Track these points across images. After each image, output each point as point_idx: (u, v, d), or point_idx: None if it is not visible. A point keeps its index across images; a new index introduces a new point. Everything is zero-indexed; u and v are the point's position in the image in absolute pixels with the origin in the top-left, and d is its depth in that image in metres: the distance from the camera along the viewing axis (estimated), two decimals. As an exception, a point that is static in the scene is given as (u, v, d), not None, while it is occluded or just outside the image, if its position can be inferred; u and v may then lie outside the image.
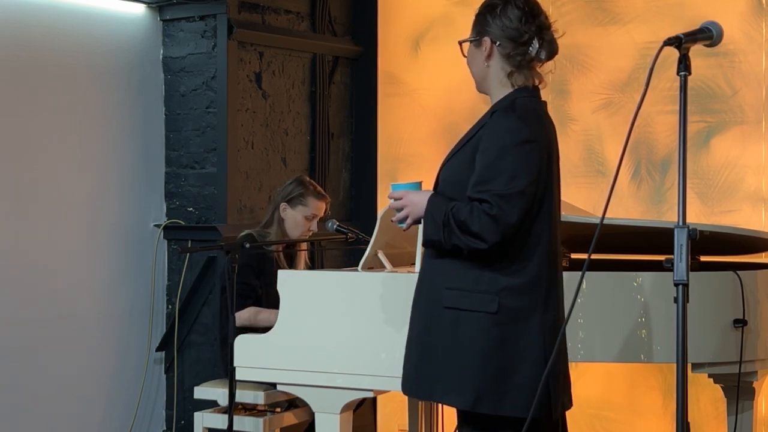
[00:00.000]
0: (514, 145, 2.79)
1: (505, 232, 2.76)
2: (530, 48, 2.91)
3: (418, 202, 2.92)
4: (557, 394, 2.89)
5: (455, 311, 2.86)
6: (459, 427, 2.97)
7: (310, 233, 4.63)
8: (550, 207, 2.90)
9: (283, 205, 4.59)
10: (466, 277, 2.85)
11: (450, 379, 2.86)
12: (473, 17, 3.02)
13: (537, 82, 2.96)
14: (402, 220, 2.98)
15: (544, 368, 2.81)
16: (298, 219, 4.58)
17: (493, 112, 2.92)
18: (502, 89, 2.95)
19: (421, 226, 2.99)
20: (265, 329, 4.07)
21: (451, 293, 2.87)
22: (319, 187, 4.69)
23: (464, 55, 3.04)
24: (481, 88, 3.03)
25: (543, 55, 2.93)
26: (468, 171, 2.85)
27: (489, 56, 2.94)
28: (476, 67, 3.00)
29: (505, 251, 2.81)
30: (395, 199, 2.99)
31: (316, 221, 4.63)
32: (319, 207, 4.62)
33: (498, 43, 2.92)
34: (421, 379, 2.94)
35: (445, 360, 2.87)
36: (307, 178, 4.72)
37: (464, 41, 3.02)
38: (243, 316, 4.33)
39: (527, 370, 2.81)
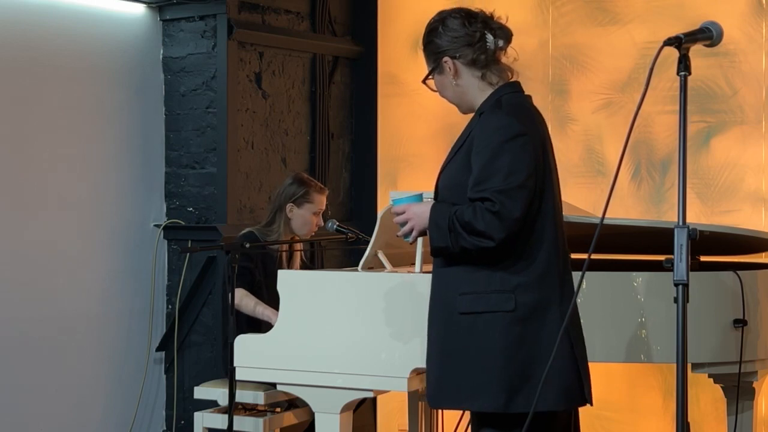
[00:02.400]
0: (506, 141, 2.80)
1: (510, 228, 2.76)
2: (487, 42, 2.94)
3: (421, 213, 2.91)
4: (588, 383, 2.91)
5: (472, 315, 2.85)
6: (476, 429, 2.94)
7: (317, 228, 4.68)
8: (551, 200, 2.90)
9: (289, 206, 4.61)
10: (478, 280, 2.85)
11: (477, 385, 2.84)
12: (423, 53, 3.03)
13: (510, 75, 2.98)
14: (407, 234, 2.97)
15: (572, 358, 2.84)
16: (307, 217, 4.62)
17: (480, 113, 2.93)
18: (482, 94, 2.96)
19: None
20: (265, 325, 4.08)
21: (465, 298, 2.87)
22: (317, 182, 4.76)
23: (433, 90, 3.05)
24: (464, 107, 3.03)
25: (501, 43, 2.96)
26: (465, 175, 2.85)
27: (456, 73, 2.96)
28: (450, 91, 3.01)
29: (512, 249, 2.81)
30: (398, 214, 2.98)
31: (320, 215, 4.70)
32: (323, 201, 4.69)
33: (457, 55, 2.94)
34: (446, 389, 2.91)
35: (468, 365, 2.85)
36: (305, 176, 4.76)
37: (427, 77, 3.03)
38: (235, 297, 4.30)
39: (557, 363, 2.79)
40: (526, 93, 3.01)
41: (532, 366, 2.80)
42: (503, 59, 2.99)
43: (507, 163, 2.78)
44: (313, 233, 4.68)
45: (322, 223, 4.68)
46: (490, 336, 2.83)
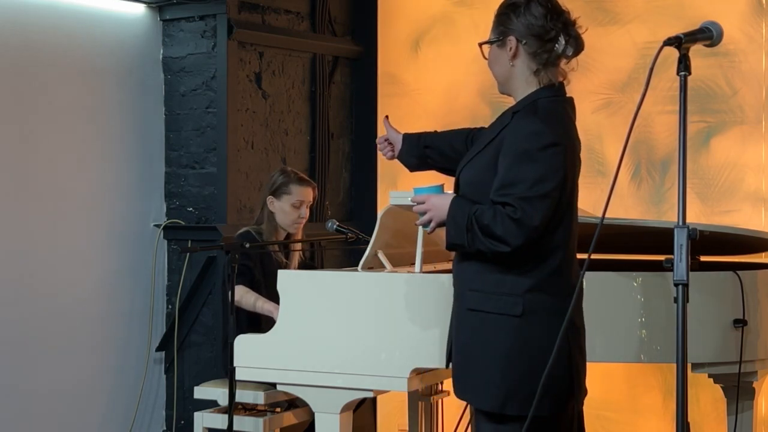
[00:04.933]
0: (537, 149, 2.77)
1: (528, 236, 2.75)
2: (557, 45, 2.88)
3: (441, 206, 2.90)
4: (580, 389, 2.92)
5: (479, 313, 2.87)
6: (477, 424, 2.96)
7: (303, 220, 4.63)
8: (574, 209, 2.90)
9: (269, 198, 4.62)
10: (489, 280, 2.85)
11: (477, 381, 2.87)
12: (493, 17, 2.96)
13: (562, 78, 2.94)
14: (426, 224, 2.97)
15: (570, 368, 2.84)
16: (286, 208, 4.60)
17: (514, 112, 2.89)
18: (527, 88, 2.91)
19: (420, 228, 3.01)
20: (265, 324, 4.07)
21: (474, 295, 2.88)
22: (301, 174, 4.71)
23: (485, 57, 2.98)
24: (505, 89, 2.98)
25: (570, 52, 2.90)
26: (490, 172, 2.84)
27: (515, 56, 2.90)
28: (500, 68, 2.95)
29: (528, 254, 2.81)
30: (418, 203, 2.97)
31: (305, 208, 4.63)
32: (304, 193, 4.63)
33: (524, 41, 2.88)
34: (457, 380, 2.97)
35: (473, 362, 2.88)
36: (289, 168, 4.75)
37: (486, 42, 2.97)
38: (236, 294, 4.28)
39: (553, 370, 2.78)
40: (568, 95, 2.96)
41: (532, 371, 2.80)
42: (562, 64, 2.93)
43: (535, 170, 2.75)
44: (298, 225, 4.61)
45: (305, 216, 4.64)
46: (494, 337, 2.83)
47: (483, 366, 2.85)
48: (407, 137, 3.34)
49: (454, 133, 3.30)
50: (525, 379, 2.81)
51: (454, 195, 2.94)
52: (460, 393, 2.98)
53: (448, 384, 3.84)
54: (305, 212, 4.64)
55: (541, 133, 2.79)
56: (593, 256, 2.63)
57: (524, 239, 2.75)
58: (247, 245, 4.11)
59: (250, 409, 4.39)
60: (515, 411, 2.81)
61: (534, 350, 2.82)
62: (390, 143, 3.40)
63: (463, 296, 2.92)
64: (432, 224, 2.95)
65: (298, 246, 4.76)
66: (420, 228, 3.47)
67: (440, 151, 3.26)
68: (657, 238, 3.92)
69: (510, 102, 3.00)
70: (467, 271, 2.91)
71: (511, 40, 2.90)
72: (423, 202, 2.96)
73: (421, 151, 3.28)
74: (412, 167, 3.35)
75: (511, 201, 2.75)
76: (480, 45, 2.99)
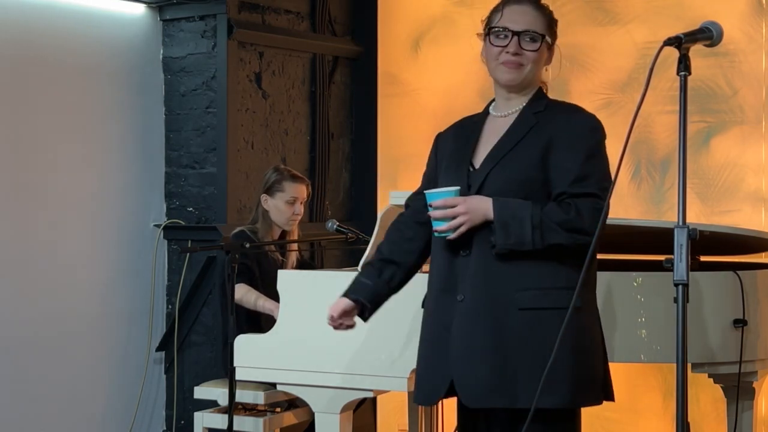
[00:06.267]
0: (599, 143, 2.88)
1: (605, 225, 2.74)
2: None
3: (481, 208, 2.79)
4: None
5: (534, 311, 2.80)
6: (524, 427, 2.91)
7: (298, 217, 4.65)
8: None
9: (263, 197, 4.64)
10: (543, 277, 2.81)
11: (543, 381, 2.74)
12: (544, 18, 2.97)
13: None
14: (452, 229, 2.79)
15: (605, 357, 2.93)
16: (280, 206, 4.62)
17: (536, 112, 2.93)
18: (530, 91, 2.98)
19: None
20: (265, 324, 4.07)
21: (527, 294, 2.80)
22: (294, 171, 4.73)
23: (531, 50, 2.92)
24: (517, 89, 2.96)
25: None
26: (537, 170, 2.81)
27: (549, 62, 3.02)
28: (537, 70, 2.97)
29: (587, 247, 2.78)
30: (448, 207, 2.80)
31: (299, 205, 4.65)
32: (298, 189, 4.64)
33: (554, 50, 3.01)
34: (502, 386, 2.81)
35: (533, 362, 2.78)
36: (282, 165, 4.77)
37: (545, 39, 2.94)
38: (237, 292, 4.28)
39: (601, 360, 2.89)
40: None
41: (591, 362, 2.86)
42: None
43: (603, 163, 2.85)
44: (293, 222, 4.64)
45: (300, 213, 4.65)
46: (556, 333, 2.69)
47: (548, 363, 2.71)
48: (360, 302, 3.08)
49: (398, 232, 3.09)
50: (591, 371, 2.84)
51: (492, 197, 2.81)
52: (507, 400, 2.82)
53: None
54: (299, 209, 4.65)
55: (601, 127, 2.91)
56: (593, 256, 2.64)
57: (603, 229, 2.72)
58: (248, 245, 4.11)
59: (250, 409, 4.39)
60: (585, 403, 2.83)
61: (591, 342, 2.86)
62: (344, 316, 3.12)
63: (510, 297, 2.80)
64: (463, 228, 2.79)
65: (293, 246, 4.76)
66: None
67: (406, 257, 3.08)
68: (657, 238, 3.92)
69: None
70: (512, 272, 2.81)
71: (557, 49, 3.01)
72: (453, 206, 2.80)
73: (386, 288, 3.09)
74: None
75: (597, 191, 2.78)
76: (542, 35, 2.94)
